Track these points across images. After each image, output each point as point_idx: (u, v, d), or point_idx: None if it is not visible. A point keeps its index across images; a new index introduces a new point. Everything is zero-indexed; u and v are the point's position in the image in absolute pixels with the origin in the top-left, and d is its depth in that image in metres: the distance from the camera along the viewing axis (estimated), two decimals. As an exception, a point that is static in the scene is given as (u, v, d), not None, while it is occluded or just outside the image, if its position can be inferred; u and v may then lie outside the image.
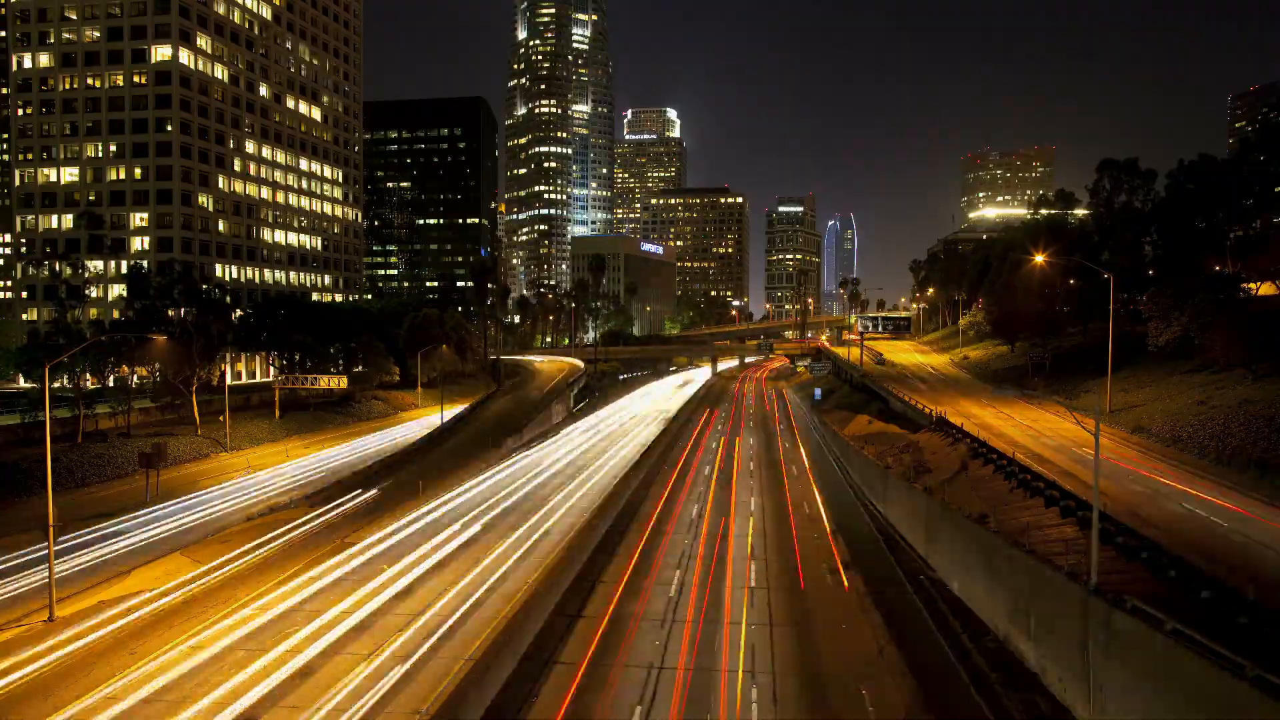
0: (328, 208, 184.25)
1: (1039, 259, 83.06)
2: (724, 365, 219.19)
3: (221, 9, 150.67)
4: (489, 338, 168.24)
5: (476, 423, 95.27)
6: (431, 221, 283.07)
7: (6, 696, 28.17)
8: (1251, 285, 73.76)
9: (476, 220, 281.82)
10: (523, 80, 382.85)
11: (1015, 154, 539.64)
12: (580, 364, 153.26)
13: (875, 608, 35.26)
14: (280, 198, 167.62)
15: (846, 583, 38.84)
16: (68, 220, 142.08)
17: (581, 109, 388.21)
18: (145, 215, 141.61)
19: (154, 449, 63.25)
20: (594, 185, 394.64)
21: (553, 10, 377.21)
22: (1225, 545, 32.39)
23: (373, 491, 61.25)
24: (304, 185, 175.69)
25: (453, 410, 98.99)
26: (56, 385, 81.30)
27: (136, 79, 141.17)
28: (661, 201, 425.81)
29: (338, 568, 42.13)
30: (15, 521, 52.25)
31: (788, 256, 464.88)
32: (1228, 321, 60.53)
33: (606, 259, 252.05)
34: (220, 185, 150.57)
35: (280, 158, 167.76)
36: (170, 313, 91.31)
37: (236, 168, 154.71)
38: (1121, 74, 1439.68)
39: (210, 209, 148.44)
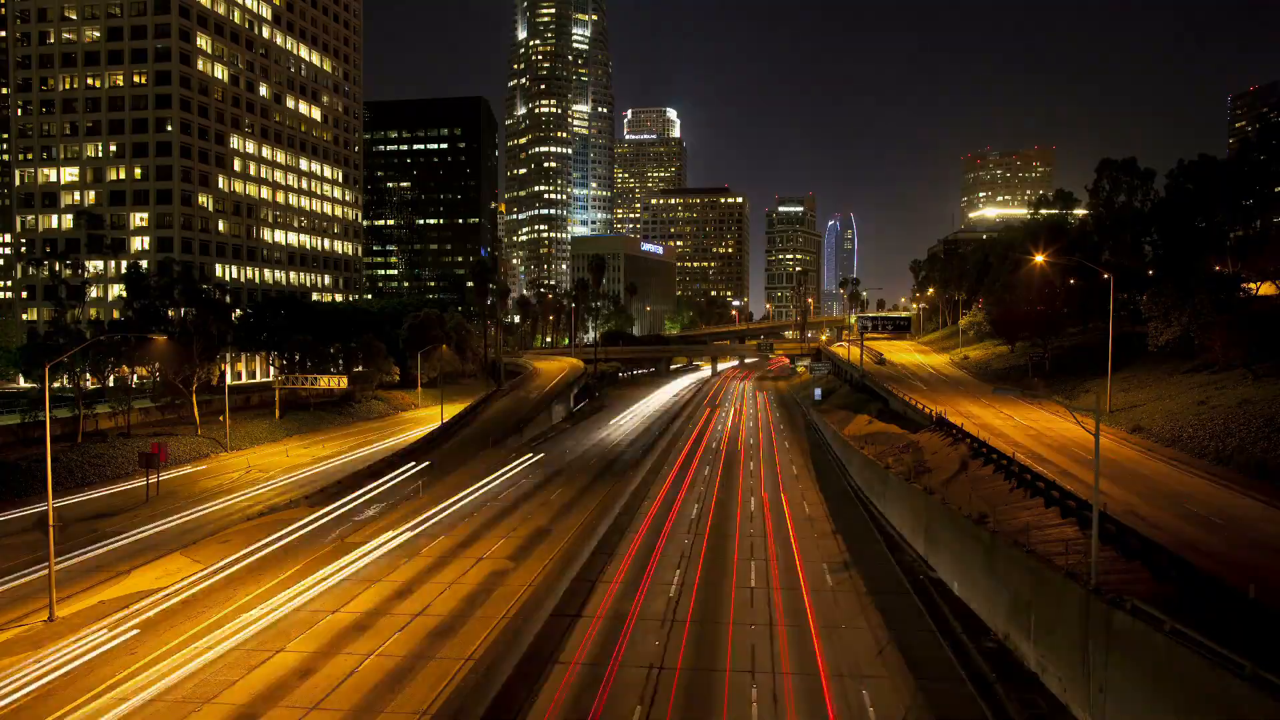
0: (328, 208, 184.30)
1: (1039, 259, 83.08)
2: (724, 365, 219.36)
3: (221, 9, 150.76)
4: (489, 338, 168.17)
5: (477, 423, 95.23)
6: (431, 221, 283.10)
7: (8, 697, 28.15)
8: (1251, 285, 73.80)
9: (476, 220, 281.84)
10: (523, 80, 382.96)
11: (1015, 154, 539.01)
12: (580, 364, 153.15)
13: (875, 608, 35.25)
14: (280, 198, 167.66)
15: (847, 583, 38.83)
16: (68, 220, 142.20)
17: (581, 109, 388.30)
18: (145, 215, 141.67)
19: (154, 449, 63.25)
20: (594, 185, 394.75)
21: (553, 10, 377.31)
22: (1225, 545, 32.37)
23: (373, 491, 61.25)
24: (304, 185, 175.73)
25: (453, 410, 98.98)
26: (56, 385, 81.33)
27: (136, 79, 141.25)
28: (661, 201, 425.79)
29: (338, 568, 42.12)
30: (15, 521, 52.26)
31: (788, 256, 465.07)
32: (1228, 321, 60.57)
33: (606, 259, 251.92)
34: (220, 185, 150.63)
35: (280, 158, 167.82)
36: (170, 313, 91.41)
37: (236, 168, 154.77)
38: (1122, 74, 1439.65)
39: (210, 209, 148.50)
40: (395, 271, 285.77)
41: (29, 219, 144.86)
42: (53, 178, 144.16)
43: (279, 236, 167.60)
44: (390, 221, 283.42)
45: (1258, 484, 41.71)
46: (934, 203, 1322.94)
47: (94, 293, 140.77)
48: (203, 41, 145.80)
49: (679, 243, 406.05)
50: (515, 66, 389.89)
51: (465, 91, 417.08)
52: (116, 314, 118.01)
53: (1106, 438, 52.86)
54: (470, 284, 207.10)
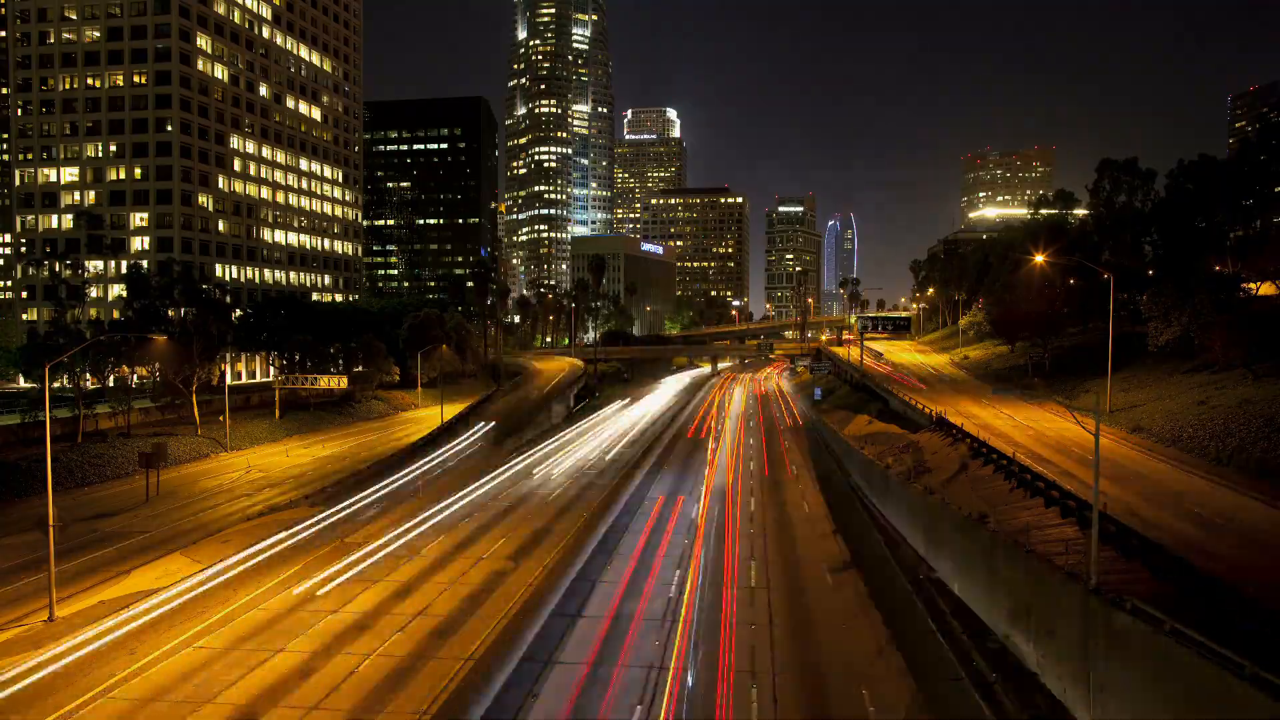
0: (328, 208, 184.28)
1: (1039, 259, 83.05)
2: (724, 366, 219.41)
3: (221, 9, 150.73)
4: (489, 338, 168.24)
5: (477, 422, 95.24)
6: (431, 221, 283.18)
7: (7, 697, 28.16)
8: (1251, 285, 73.78)
9: (476, 220, 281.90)
10: (523, 80, 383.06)
11: (1015, 154, 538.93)
12: (580, 364, 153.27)
13: (875, 608, 35.24)
14: (280, 198, 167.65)
15: (847, 583, 38.83)
16: (68, 220, 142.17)
17: (581, 109, 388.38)
18: (145, 215, 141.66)
19: (154, 449, 63.24)
20: (594, 185, 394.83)
21: (553, 10, 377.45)
22: (1225, 545, 32.36)
23: (373, 492, 61.26)
24: (304, 185, 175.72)
25: (453, 410, 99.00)
26: (56, 385, 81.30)
27: (136, 79, 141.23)
28: (661, 201, 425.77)
29: (339, 568, 42.12)
30: (15, 521, 52.27)
31: (788, 256, 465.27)
32: (1228, 321, 60.54)
33: (606, 259, 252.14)
34: (220, 185, 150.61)
35: (280, 158, 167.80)
36: (170, 313, 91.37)
37: (236, 168, 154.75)
38: (1122, 74, 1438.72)
39: (210, 209, 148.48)
40: (395, 271, 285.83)
41: (29, 219, 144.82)
42: (53, 178, 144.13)
43: (279, 236, 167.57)
44: (390, 221, 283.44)
45: (1258, 484, 41.70)
46: (934, 203, 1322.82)
47: (94, 293, 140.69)
48: (203, 41, 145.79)
49: (679, 243, 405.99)
50: (515, 66, 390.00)
51: (465, 91, 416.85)
52: (116, 314, 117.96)
53: (1106, 438, 52.85)
54: (470, 284, 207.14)
